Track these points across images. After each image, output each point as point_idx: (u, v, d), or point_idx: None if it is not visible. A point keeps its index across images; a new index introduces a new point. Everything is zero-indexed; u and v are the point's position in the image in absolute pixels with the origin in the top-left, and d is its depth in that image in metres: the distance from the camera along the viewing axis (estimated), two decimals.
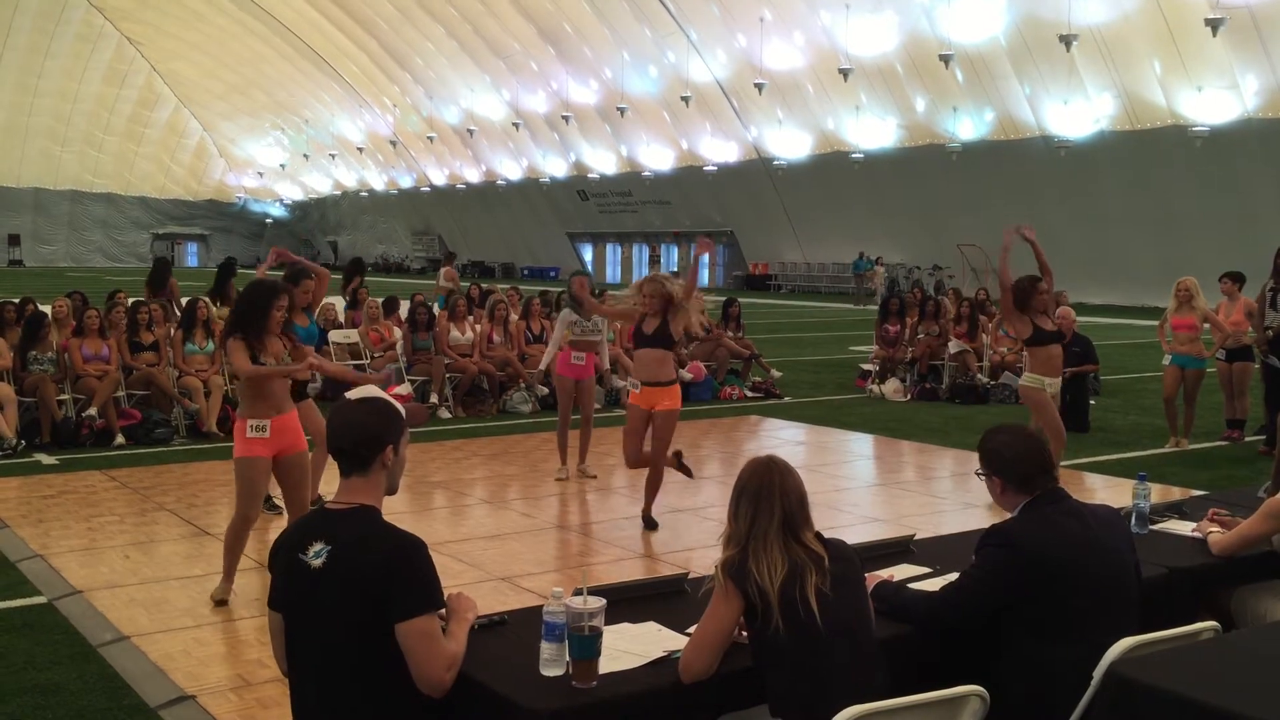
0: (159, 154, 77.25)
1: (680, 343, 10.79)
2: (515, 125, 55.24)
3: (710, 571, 3.16)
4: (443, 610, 3.05)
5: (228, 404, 11.34)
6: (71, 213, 74.65)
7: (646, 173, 52.38)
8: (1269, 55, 30.26)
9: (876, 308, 17.38)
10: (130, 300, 12.46)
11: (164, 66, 71.42)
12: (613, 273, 58.10)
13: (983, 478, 3.58)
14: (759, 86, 41.09)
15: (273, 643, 3.16)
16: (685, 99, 44.32)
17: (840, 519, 7.69)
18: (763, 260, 50.52)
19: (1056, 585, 3.30)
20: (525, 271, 59.86)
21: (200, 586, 6.11)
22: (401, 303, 14.52)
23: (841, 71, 37.73)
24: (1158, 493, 7.87)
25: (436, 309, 14.28)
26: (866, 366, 15.33)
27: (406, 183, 69.84)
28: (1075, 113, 35.37)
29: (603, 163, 54.88)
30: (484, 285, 17.23)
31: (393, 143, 65.91)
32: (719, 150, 48.51)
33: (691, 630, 3.14)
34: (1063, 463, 8.48)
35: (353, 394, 3.19)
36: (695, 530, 7.50)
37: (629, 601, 3.57)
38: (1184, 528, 4.54)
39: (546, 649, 2.99)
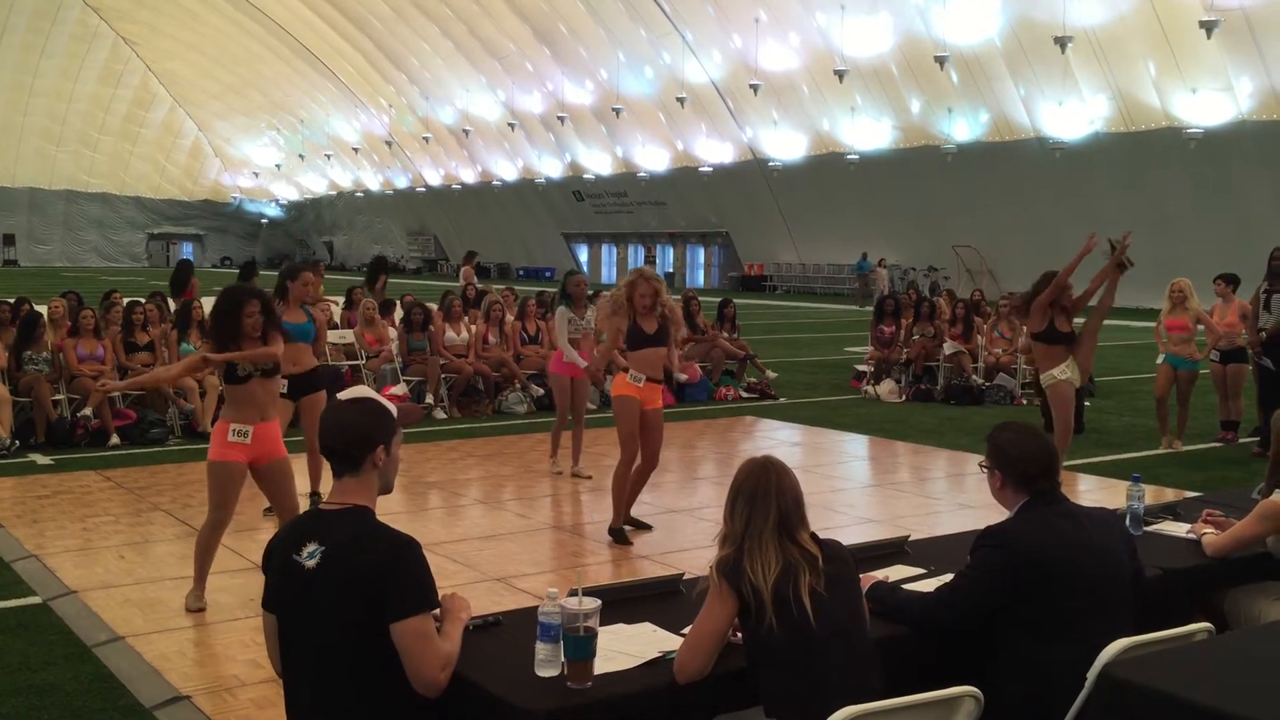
0: (154, 154, 77.12)
1: (675, 343, 10.77)
2: (511, 126, 55.23)
3: (705, 572, 3.17)
4: (437, 610, 3.06)
5: (223, 404, 11.34)
6: (66, 212, 74.50)
7: (642, 173, 52.38)
8: (1263, 57, 30.32)
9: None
10: (125, 300, 12.44)
11: (159, 66, 71.32)
12: (608, 273, 58.08)
13: (985, 470, 3.60)
14: (754, 87, 41.11)
15: (267, 644, 3.16)
16: (680, 100, 44.33)
17: (835, 520, 7.70)
18: (758, 261, 50.54)
19: (1051, 586, 3.31)
20: (521, 272, 59.85)
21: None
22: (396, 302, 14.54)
23: (837, 73, 37.77)
24: (1152, 494, 7.89)
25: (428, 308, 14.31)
26: (861, 367, 15.34)
27: (402, 183, 69.80)
28: (1070, 114, 35.43)
29: (598, 163, 54.88)
30: (479, 285, 17.24)
31: (388, 143, 65.87)
32: (714, 151, 48.52)
33: (686, 631, 3.14)
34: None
35: (344, 394, 3.21)
36: (690, 531, 7.50)
37: (624, 602, 3.57)
38: (1178, 529, 4.55)
39: (542, 650, 2.99)
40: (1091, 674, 3.03)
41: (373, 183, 72.67)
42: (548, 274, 56.71)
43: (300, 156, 74.39)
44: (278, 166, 78.28)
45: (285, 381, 6.86)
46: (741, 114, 45.99)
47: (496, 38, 51.21)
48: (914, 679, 3.08)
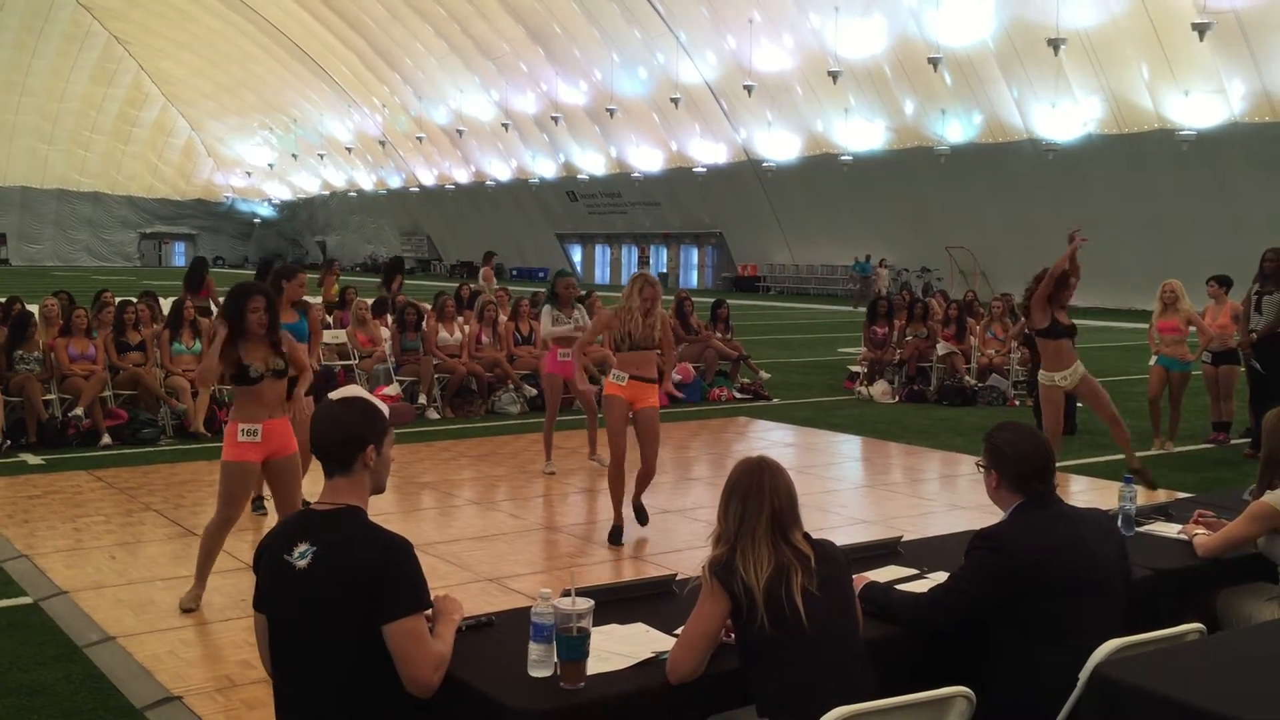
0: (146, 153, 76.98)
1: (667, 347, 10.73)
2: (504, 126, 55.22)
3: (698, 573, 3.17)
4: (429, 611, 3.05)
5: (215, 404, 11.33)
6: (58, 212, 74.34)
7: (636, 174, 52.40)
8: (1255, 60, 30.41)
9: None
10: (117, 300, 12.40)
11: (152, 66, 71.19)
12: (601, 274, 58.09)
13: (982, 470, 3.60)
14: (748, 88, 41.14)
15: (258, 644, 3.15)
16: (674, 100, 44.35)
17: (828, 520, 7.70)
18: (751, 262, 50.58)
19: (1045, 588, 3.32)
20: (514, 272, 59.80)
21: (186, 587, 6.06)
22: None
23: (830, 74, 37.80)
24: (1144, 495, 7.90)
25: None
26: (855, 368, 15.36)
27: (395, 183, 69.74)
28: (1063, 116, 35.51)
29: (592, 164, 54.88)
30: (473, 286, 17.23)
31: (381, 143, 65.81)
32: (708, 152, 48.56)
33: (679, 631, 3.14)
34: None
35: (335, 394, 3.20)
36: (684, 531, 7.50)
37: (617, 602, 3.57)
38: (1170, 530, 4.56)
39: (534, 650, 2.99)
40: (1083, 674, 3.04)
41: (366, 182, 72.60)
42: (541, 274, 56.68)
43: (293, 156, 74.33)
44: (270, 166, 78.18)
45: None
46: (735, 115, 46.02)
47: (490, 38, 51.20)
48: (906, 679, 3.08)
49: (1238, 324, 10.76)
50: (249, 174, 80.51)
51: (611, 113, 47.73)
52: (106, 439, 10.46)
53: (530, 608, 3.04)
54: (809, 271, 48.16)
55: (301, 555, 2.95)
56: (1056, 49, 31.55)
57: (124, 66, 71.26)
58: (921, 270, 41.58)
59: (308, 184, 78.29)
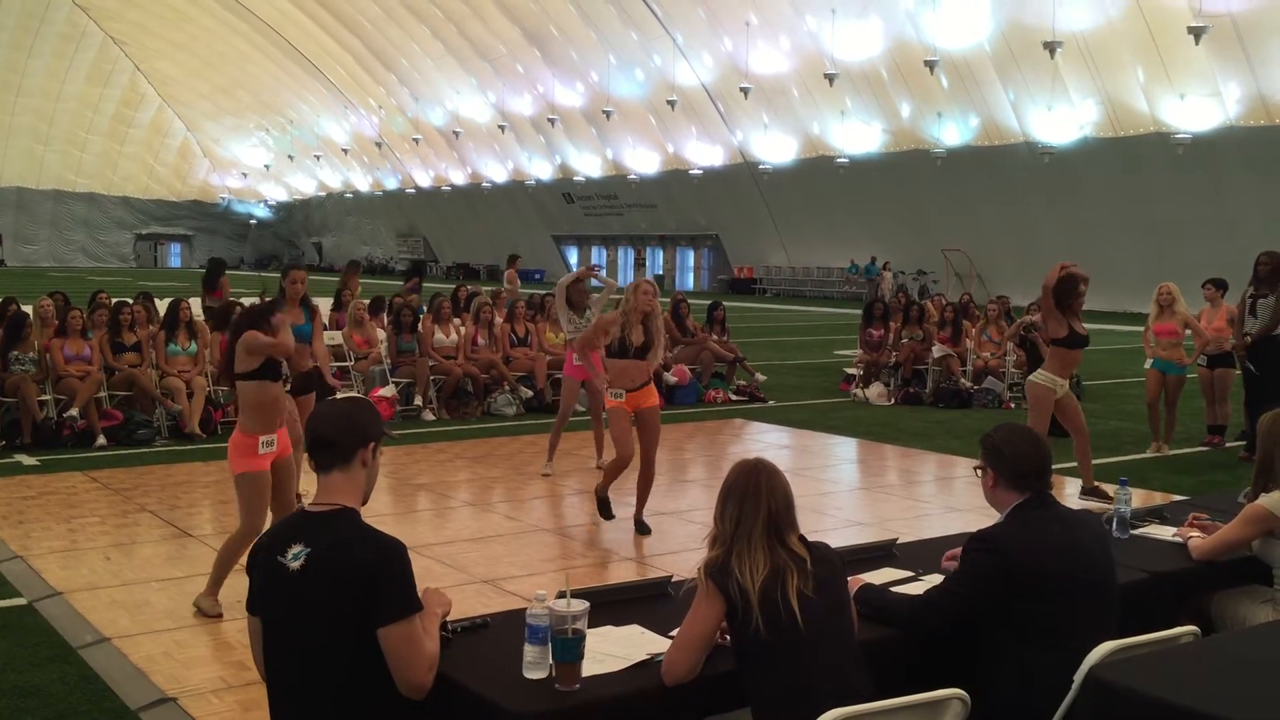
0: (142, 154, 76.94)
1: (666, 346, 10.72)
2: (501, 128, 55.22)
3: (694, 574, 3.17)
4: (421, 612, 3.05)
5: (210, 405, 11.31)
6: (54, 212, 74.28)
7: (632, 176, 52.41)
8: (1251, 63, 30.48)
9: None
10: (113, 300, 12.39)
11: (148, 66, 71.16)
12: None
13: (979, 471, 3.61)
14: (745, 91, 41.18)
15: (252, 647, 3.15)
16: (671, 103, 44.38)
17: (824, 522, 7.70)
18: (747, 264, 50.61)
19: (1041, 590, 3.33)
20: None
21: (181, 589, 6.07)
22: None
23: (827, 76, 37.84)
24: (1139, 497, 7.92)
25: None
26: (851, 370, 15.36)
27: (391, 184, 69.72)
28: (1059, 119, 35.56)
29: (588, 166, 54.89)
30: (469, 287, 17.21)
31: (378, 144, 65.79)
32: (705, 154, 48.59)
33: (675, 633, 3.14)
34: None
35: (337, 396, 3.22)
36: (679, 533, 7.50)
37: (612, 604, 3.57)
38: (1165, 532, 4.56)
39: (530, 652, 2.98)
40: (1078, 676, 3.04)
41: (362, 184, 72.57)
42: (537, 276, 56.64)
43: (289, 157, 74.29)
44: (266, 167, 78.14)
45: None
46: (732, 117, 46.06)
47: (487, 39, 51.21)
48: (902, 681, 3.08)
49: (1233, 327, 10.78)
50: (245, 175, 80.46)
51: (608, 115, 47.76)
52: (101, 440, 10.44)
53: (525, 609, 3.04)
54: (805, 274, 48.20)
55: (295, 557, 2.95)
56: (1052, 52, 31.60)
57: (120, 67, 71.23)
58: (917, 273, 41.62)
59: (304, 185, 78.26)
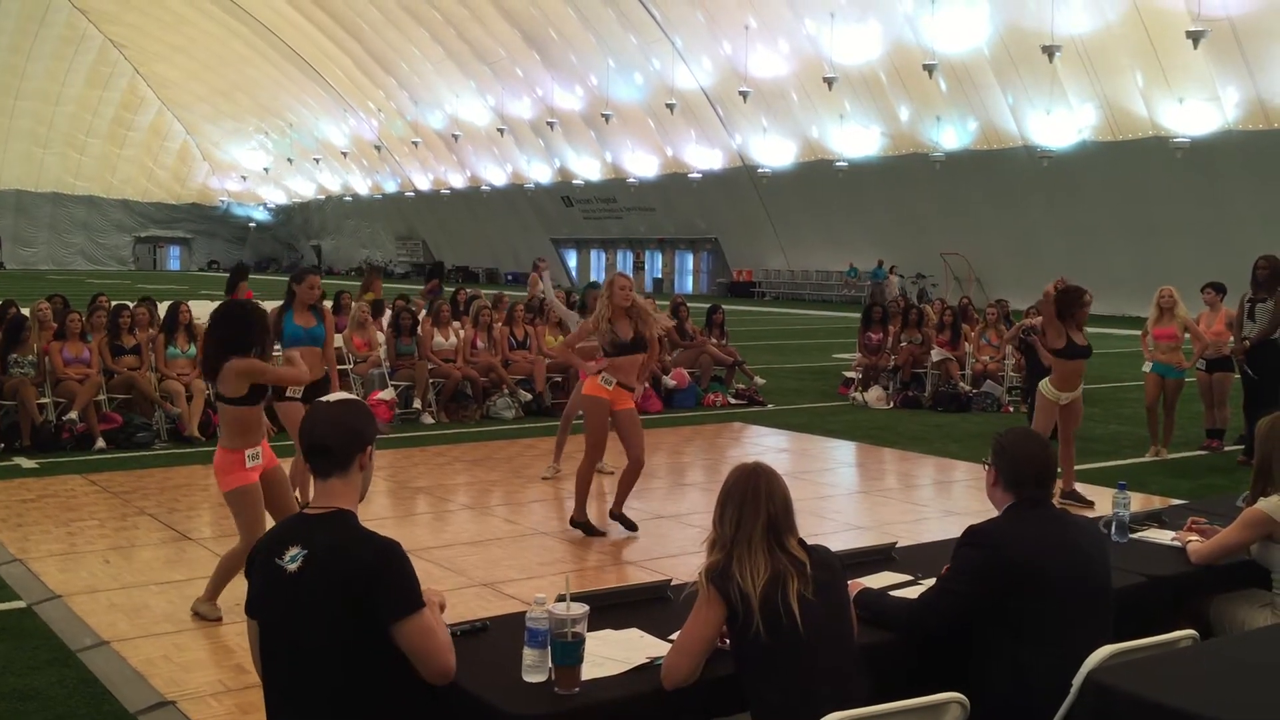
0: (141, 157, 76.92)
1: (664, 348, 10.73)
2: (500, 131, 55.23)
3: (693, 578, 3.17)
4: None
5: (209, 408, 11.30)
6: (53, 215, 74.26)
7: (631, 179, 52.42)
8: (1249, 67, 30.50)
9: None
10: (112, 303, 12.38)
11: (147, 69, 71.15)
12: (596, 279, 58.09)
13: (986, 467, 3.66)
14: (744, 94, 41.20)
15: (251, 649, 3.15)
16: (670, 106, 44.39)
17: (823, 526, 7.70)
18: (747, 267, 50.61)
19: (1035, 587, 3.33)
20: (509, 277, 59.79)
21: (180, 592, 6.07)
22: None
23: (826, 80, 37.86)
24: (1138, 501, 7.91)
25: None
26: (850, 374, 15.36)
27: (391, 187, 69.71)
28: (1058, 123, 35.58)
29: (587, 169, 54.90)
30: (468, 290, 17.23)
31: (377, 147, 65.79)
32: (704, 157, 48.60)
33: (674, 637, 3.15)
34: None
35: (329, 397, 3.23)
36: (678, 537, 7.50)
37: (612, 608, 3.57)
38: (1163, 536, 4.57)
39: (529, 655, 2.99)
40: (1077, 680, 3.04)
41: (361, 187, 72.57)
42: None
43: (288, 160, 74.28)
44: (266, 170, 78.13)
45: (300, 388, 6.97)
46: (731, 121, 46.07)
47: (486, 43, 51.22)
48: (902, 685, 3.09)
49: (1232, 330, 10.79)
50: (244, 178, 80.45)
51: (607, 118, 47.76)
52: (101, 443, 10.43)
53: (525, 613, 3.04)
54: (804, 277, 48.20)
55: (292, 559, 2.96)
56: (1051, 56, 31.63)
57: (119, 70, 71.21)
58: (916, 276, 41.63)
59: (303, 188, 78.25)
